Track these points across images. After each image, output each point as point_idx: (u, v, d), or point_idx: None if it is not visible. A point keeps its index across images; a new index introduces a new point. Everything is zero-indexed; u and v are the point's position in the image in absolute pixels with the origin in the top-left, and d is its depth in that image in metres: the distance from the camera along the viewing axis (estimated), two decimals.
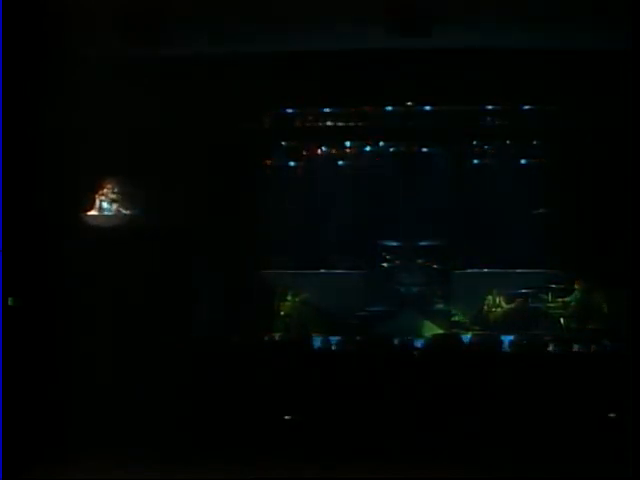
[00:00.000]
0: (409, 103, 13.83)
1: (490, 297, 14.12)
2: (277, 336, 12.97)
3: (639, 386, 7.26)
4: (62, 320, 10.21)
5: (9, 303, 9.39)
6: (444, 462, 8.47)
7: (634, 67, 7.72)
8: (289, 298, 14.26)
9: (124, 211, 12.66)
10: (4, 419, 7.79)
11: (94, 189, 12.55)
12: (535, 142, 14.67)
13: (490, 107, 14.07)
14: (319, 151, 15.31)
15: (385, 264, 14.84)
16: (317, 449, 8.84)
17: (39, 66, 10.02)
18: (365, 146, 15.12)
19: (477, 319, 14.06)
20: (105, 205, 12.68)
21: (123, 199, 12.63)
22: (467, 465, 8.36)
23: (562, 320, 13.39)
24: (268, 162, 15.12)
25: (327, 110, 14.34)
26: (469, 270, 14.43)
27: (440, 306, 14.38)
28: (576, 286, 13.47)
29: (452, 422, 8.87)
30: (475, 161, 15.04)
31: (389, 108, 14.19)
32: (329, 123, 14.51)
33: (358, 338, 10.36)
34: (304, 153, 15.30)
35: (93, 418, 8.93)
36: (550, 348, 9.88)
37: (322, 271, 14.74)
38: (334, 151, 15.29)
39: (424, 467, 8.28)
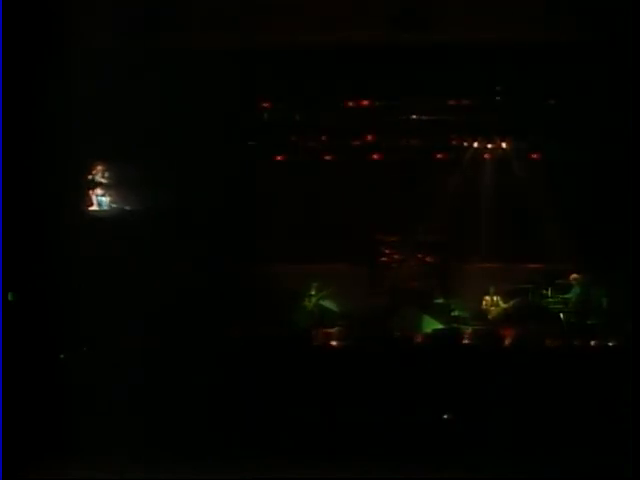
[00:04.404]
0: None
1: None
2: None
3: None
4: (63, 317, 10.22)
5: (9, 298, 9.40)
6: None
7: (634, 65, 7.71)
8: None
9: (129, 207, 12.74)
10: (4, 419, 7.78)
11: (93, 186, 12.58)
12: None
13: None
14: None
15: None
16: None
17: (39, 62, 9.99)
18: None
19: None
20: (106, 202, 12.73)
21: (130, 195, 12.71)
22: (467, 464, 8.36)
23: None
24: None
25: None
26: None
27: None
28: None
29: None
30: None
31: None
32: None
33: None
34: None
35: (93, 417, 8.91)
36: None
37: None
38: None
39: None
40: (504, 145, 14.81)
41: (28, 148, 9.86)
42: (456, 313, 14.14)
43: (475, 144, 14.87)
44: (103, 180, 12.72)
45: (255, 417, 9.07)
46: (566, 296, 13.69)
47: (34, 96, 9.82)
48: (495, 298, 14.20)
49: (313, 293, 14.28)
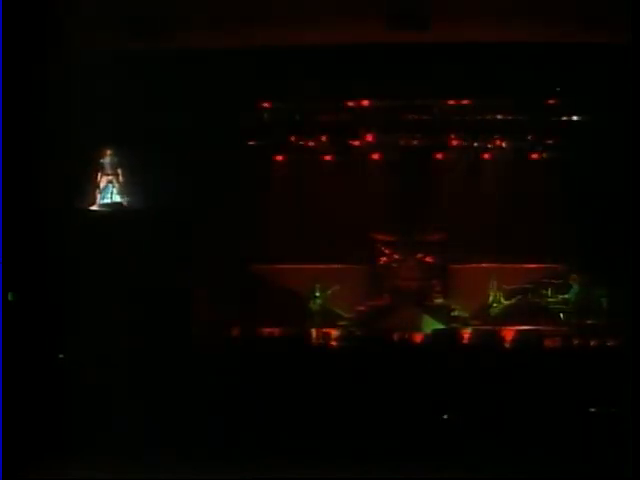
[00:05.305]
0: None
1: None
2: None
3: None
4: (63, 317, 10.22)
5: (9, 298, 9.41)
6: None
7: (634, 65, 7.71)
8: None
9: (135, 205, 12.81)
10: (4, 419, 7.78)
11: (92, 186, 12.62)
12: None
13: None
14: None
15: None
16: None
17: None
18: None
19: None
20: (106, 202, 12.78)
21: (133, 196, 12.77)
22: (467, 464, 8.35)
23: None
24: None
25: None
26: None
27: None
28: None
29: None
30: None
31: None
32: None
33: None
34: None
35: (93, 417, 8.90)
36: None
37: None
38: None
39: None
40: (503, 144, 14.84)
41: (28, 148, 9.88)
42: (456, 313, 14.18)
43: (473, 144, 14.91)
44: (103, 180, 12.78)
45: (256, 417, 9.06)
46: (565, 296, 13.72)
47: (33, 96, 9.84)
48: (497, 295, 14.23)
49: (318, 294, 14.29)
